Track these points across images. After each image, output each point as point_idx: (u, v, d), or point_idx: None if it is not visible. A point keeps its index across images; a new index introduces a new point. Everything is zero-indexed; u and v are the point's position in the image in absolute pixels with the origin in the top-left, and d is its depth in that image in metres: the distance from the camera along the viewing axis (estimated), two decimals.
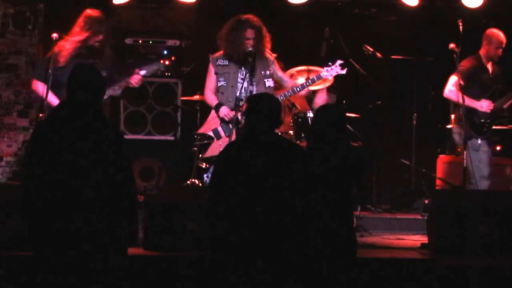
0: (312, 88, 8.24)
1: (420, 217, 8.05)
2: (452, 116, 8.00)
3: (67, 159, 4.41)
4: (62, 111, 4.64)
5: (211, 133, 7.28)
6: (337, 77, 7.61)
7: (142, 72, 7.29)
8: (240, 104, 6.92)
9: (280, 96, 7.15)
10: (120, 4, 8.78)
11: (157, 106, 9.04)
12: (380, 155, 9.18)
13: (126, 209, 4.51)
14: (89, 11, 7.28)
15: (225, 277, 4.85)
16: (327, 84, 8.41)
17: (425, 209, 8.14)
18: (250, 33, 7.08)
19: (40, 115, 7.78)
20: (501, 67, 7.96)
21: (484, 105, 7.71)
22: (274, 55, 7.35)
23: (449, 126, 8.13)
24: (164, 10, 9.58)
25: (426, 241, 6.88)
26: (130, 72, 7.28)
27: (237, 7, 8.08)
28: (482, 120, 7.72)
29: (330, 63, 7.37)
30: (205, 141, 7.31)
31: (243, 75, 7.13)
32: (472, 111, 7.69)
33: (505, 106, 7.90)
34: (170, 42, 9.14)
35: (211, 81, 7.27)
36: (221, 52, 7.25)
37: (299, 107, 8.17)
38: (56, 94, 6.90)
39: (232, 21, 7.18)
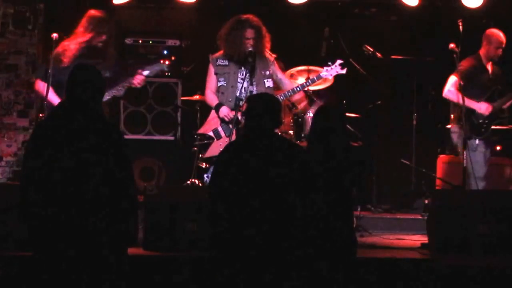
0: (312, 88, 8.26)
1: (420, 217, 8.04)
2: (452, 116, 8.00)
3: (66, 159, 4.41)
4: (61, 111, 4.64)
5: (211, 133, 7.28)
6: (337, 77, 7.61)
7: (145, 73, 7.31)
8: (240, 104, 6.92)
9: (280, 96, 7.15)
10: (120, 4, 8.78)
11: (157, 106, 9.04)
12: (380, 155, 9.17)
13: (126, 209, 4.51)
14: (92, 12, 7.30)
15: (226, 277, 4.85)
16: (328, 84, 8.42)
17: (425, 209, 8.14)
18: (250, 33, 7.09)
19: (40, 115, 7.80)
20: (501, 67, 7.96)
21: (482, 108, 7.71)
22: (274, 55, 7.35)
23: (449, 126, 8.13)
24: (164, 10, 9.58)
25: (426, 241, 6.88)
26: (133, 73, 7.30)
27: (237, 7, 8.08)
28: (481, 121, 7.72)
29: (330, 63, 7.37)
30: (205, 141, 7.32)
31: (243, 75, 7.14)
32: (471, 111, 7.69)
33: (504, 107, 7.91)
34: (170, 42, 9.14)
35: (211, 81, 7.28)
36: (221, 52, 7.25)
37: (299, 107, 8.17)
38: (59, 94, 6.91)
39: (232, 21, 7.18)
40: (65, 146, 4.42)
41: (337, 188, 5.21)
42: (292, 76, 8.53)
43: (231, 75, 7.19)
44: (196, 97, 8.44)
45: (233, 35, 7.12)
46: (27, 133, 8.41)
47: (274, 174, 4.82)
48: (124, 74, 7.32)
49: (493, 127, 7.86)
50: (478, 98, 7.74)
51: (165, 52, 9.12)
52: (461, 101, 7.59)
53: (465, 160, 7.55)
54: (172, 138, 8.99)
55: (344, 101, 8.63)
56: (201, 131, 7.42)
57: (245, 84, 7.09)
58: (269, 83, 7.23)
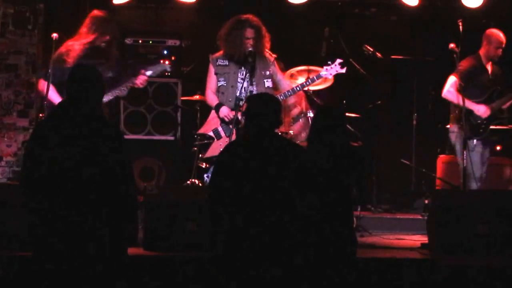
0: (312, 88, 8.26)
1: (420, 217, 8.05)
2: (451, 116, 8.00)
3: (66, 159, 4.40)
4: (61, 110, 4.64)
5: (211, 133, 7.28)
6: (337, 77, 7.60)
7: (148, 73, 7.32)
8: (240, 104, 6.92)
9: (280, 96, 7.16)
10: (120, 4, 8.78)
11: (157, 106, 9.03)
12: (380, 155, 9.17)
13: (126, 209, 4.51)
14: (96, 12, 7.30)
15: (226, 277, 4.85)
16: (328, 83, 8.42)
17: (425, 209, 8.14)
18: (249, 33, 7.09)
19: (40, 115, 7.80)
20: (501, 67, 7.96)
21: (481, 110, 7.71)
22: (274, 55, 7.34)
23: (448, 126, 8.13)
24: (164, 10, 9.58)
25: (426, 241, 6.88)
26: (135, 73, 7.31)
27: (237, 7, 8.08)
28: (479, 121, 7.72)
29: (329, 62, 7.36)
30: (205, 141, 7.32)
31: (243, 75, 7.14)
32: (469, 111, 7.69)
33: (504, 107, 7.90)
34: (170, 42, 9.14)
35: (211, 81, 7.28)
36: (221, 52, 7.25)
37: (299, 107, 8.16)
38: (62, 94, 6.91)
39: (232, 21, 7.18)
40: (65, 146, 4.42)
41: (337, 188, 5.21)
42: (292, 76, 8.52)
43: (231, 75, 7.19)
44: (196, 97, 8.43)
45: (233, 35, 7.12)
46: (27, 133, 8.41)
47: (274, 174, 4.82)
48: (127, 74, 7.33)
49: (493, 127, 7.86)
50: (477, 99, 7.74)
51: (165, 52, 9.12)
52: (460, 102, 7.59)
53: (465, 160, 7.55)
54: (172, 138, 8.99)
55: (344, 101, 8.63)
56: (201, 131, 7.42)
57: (245, 84, 7.09)
58: (269, 83, 7.23)
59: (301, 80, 7.90)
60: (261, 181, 4.81)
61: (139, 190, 6.45)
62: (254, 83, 7.11)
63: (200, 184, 7.59)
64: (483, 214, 6.60)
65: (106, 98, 7.17)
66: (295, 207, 4.84)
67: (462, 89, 7.57)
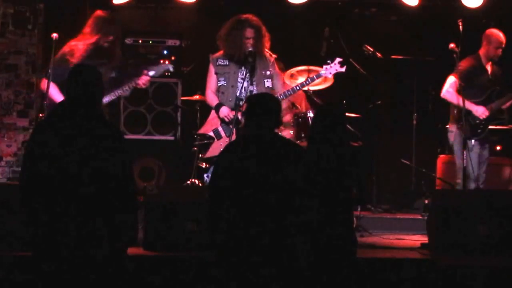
0: (312, 88, 8.26)
1: (420, 217, 8.05)
2: (451, 116, 8.00)
3: (66, 159, 4.40)
4: (61, 110, 4.64)
5: (211, 134, 7.28)
6: (337, 77, 7.60)
7: (151, 73, 7.33)
8: (240, 104, 6.92)
9: (280, 96, 7.16)
10: (120, 4, 8.78)
11: (157, 106, 9.03)
12: (380, 155, 9.17)
13: (126, 209, 4.50)
14: (99, 12, 7.31)
15: (226, 277, 4.85)
16: (329, 83, 8.42)
17: (425, 209, 8.14)
18: (249, 33, 7.08)
19: (40, 115, 7.80)
20: (501, 67, 7.96)
21: (479, 111, 7.71)
22: (274, 56, 7.33)
23: (448, 126, 8.13)
24: (164, 10, 9.58)
25: (426, 241, 6.88)
26: (138, 73, 7.31)
27: (237, 7, 8.08)
28: (477, 121, 7.72)
29: (329, 61, 7.36)
30: (205, 141, 7.31)
31: (243, 74, 7.13)
32: (468, 112, 7.69)
33: (504, 107, 7.90)
34: (170, 42, 9.14)
35: (211, 81, 7.27)
36: (221, 52, 7.25)
37: (299, 107, 8.17)
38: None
39: (232, 21, 7.18)
40: (65, 146, 4.42)
41: (337, 188, 5.21)
42: (292, 76, 8.53)
43: (231, 74, 7.19)
44: (196, 97, 8.43)
45: (233, 35, 7.12)
46: (27, 133, 8.41)
47: (274, 174, 4.82)
48: (129, 75, 7.33)
49: (493, 127, 7.87)
50: (476, 99, 7.74)
51: (165, 52, 9.12)
52: (459, 102, 7.59)
53: (465, 160, 7.55)
54: (172, 138, 8.99)
55: (344, 101, 8.63)
56: (201, 131, 7.42)
57: (245, 84, 7.08)
58: (269, 83, 7.23)
59: (301, 80, 7.90)
60: (261, 182, 4.80)
61: (139, 190, 6.44)
62: (254, 83, 7.11)
63: (200, 184, 7.60)
64: (483, 214, 6.61)
65: (109, 98, 7.18)
66: (295, 207, 4.84)
67: (462, 90, 7.57)
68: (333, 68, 7.33)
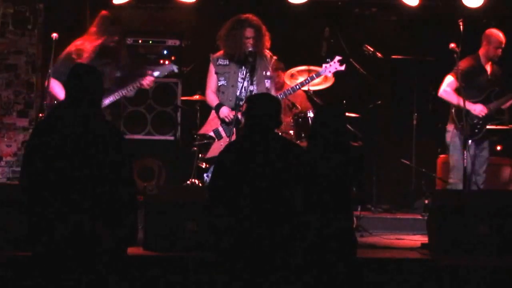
0: (312, 88, 8.26)
1: (420, 217, 8.05)
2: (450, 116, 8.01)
3: (66, 159, 4.40)
4: (61, 110, 4.64)
5: (212, 134, 7.27)
6: (338, 77, 7.59)
7: (155, 74, 7.32)
8: (241, 104, 6.92)
9: (280, 96, 7.16)
10: (120, 4, 8.78)
11: (157, 106, 9.03)
12: (380, 155, 9.17)
13: (126, 209, 4.50)
14: (105, 12, 7.32)
15: (226, 277, 4.85)
16: (329, 83, 8.42)
17: (425, 209, 8.14)
18: (249, 32, 7.08)
19: (40, 115, 7.80)
20: (501, 67, 7.95)
21: (477, 109, 7.71)
22: (275, 57, 7.32)
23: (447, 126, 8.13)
24: (164, 10, 9.58)
25: (426, 241, 6.88)
26: (142, 73, 7.30)
27: (237, 7, 8.08)
28: (475, 121, 7.71)
29: (328, 60, 7.36)
30: (205, 141, 7.31)
31: (243, 74, 7.13)
32: (466, 111, 7.68)
33: (504, 107, 7.89)
34: (170, 42, 9.14)
35: (212, 81, 7.27)
36: (222, 52, 7.25)
37: (299, 107, 8.17)
38: None
39: (231, 21, 7.17)
40: (65, 146, 4.42)
41: (337, 188, 5.21)
42: (292, 76, 8.54)
43: (231, 74, 7.19)
44: (196, 97, 8.43)
45: (233, 35, 7.11)
46: (27, 133, 8.41)
47: (274, 174, 4.82)
48: (134, 75, 7.33)
49: (493, 127, 7.86)
50: (474, 99, 7.74)
51: (165, 52, 9.12)
52: (456, 102, 7.60)
53: (465, 160, 7.55)
54: (172, 138, 8.99)
55: (344, 101, 8.63)
56: (202, 131, 7.41)
57: (245, 84, 7.08)
58: (268, 83, 7.22)
59: (301, 80, 7.89)
60: (261, 181, 4.81)
61: (139, 190, 6.44)
62: (254, 82, 7.10)
63: (200, 184, 7.59)
64: (483, 214, 6.60)
65: (113, 98, 7.18)
66: (295, 207, 4.84)
67: (462, 90, 7.56)
68: (333, 66, 7.33)
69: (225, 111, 7.10)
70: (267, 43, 7.17)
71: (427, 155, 9.06)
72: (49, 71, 7.15)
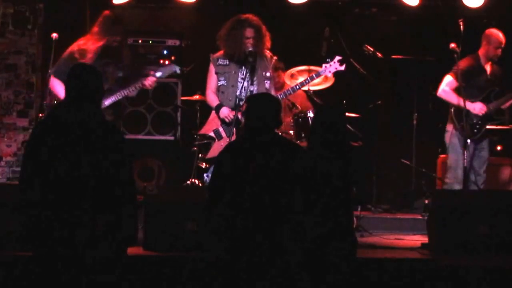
0: (312, 88, 8.26)
1: (420, 217, 8.04)
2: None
3: (66, 159, 4.40)
4: (61, 110, 4.64)
5: (212, 134, 7.27)
6: (338, 77, 7.59)
7: (158, 74, 7.32)
8: (241, 104, 6.92)
9: (280, 96, 7.16)
10: (120, 4, 8.78)
11: (157, 106, 9.04)
12: (380, 155, 9.17)
13: (126, 209, 4.50)
14: (108, 12, 7.32)
15: (226, 277, 4.85)
16: (329, 83, 8.42)
17: (425, 209, 8.14)
18: (249, 32, 7.07)
19: (40, 115, 7.79)
20: (501, 67, 7.94)
21: (477, 108, 7.70)
22: (275, 57, 7.32)
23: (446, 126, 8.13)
24: (164, 10, 9.58)
25: (426, 241, 6.88)
26: (144, 74, 7.30)
27: (237, 7, 8.08)
28: (474, 121, 7.71)
29: (328, 60, 7.36)
30: (205, 141, 7.31)
31: (243, 74, 7.12)
32: (466, 111, 7.68)
33: (504, 107, 7.89)
34: (170, 42, 9.14)
35: (212, 81, 7.26)
36: (222, 52, 7.24)
37: (299, 107, 8.17)
38: None
39: (231, 21, 7.17)
40: (65, 146, 4.42)
41: (337, 188, 5.20)
42: (292, 76, 8.54)
43: (231, 74, 7.18)
44: (196, 97, 8.43)
45: (233, 35, 7.11)
46: (27, 133, 8.41)
47: (274, 174, 4.82)
48: (136, 75, 7.33)
49: (493, 127, 7.86)
50: (473, 99, 7.73)
51: (165, 52, 9.12)
52: (455, 101, 7.60)
53: (465, 160, 7.55)
54: (172, 138, 8.99)
55: (344, 101, 8.63)
56: (202, 131, 7.41)
57: (245, 84, 7.07)
58: (267, 84, 7.21)
59: (301, 80, 7.89)
60: (261, 182, 4.81)
61: (139, 190, 6.44)
62: (255, 82, 7.10)
63: (200, 184, 7.59)
64: (483, 214, 6.60)
65: (114, 98, 7.18)
66: (295, 207, 4.84)
67: (462, 90, 7.56)
68: (333, 66, 7.33)
69: (225, 112, 7.10)
70: (267, 43, 7.17)
71: (427, 155, 9.06)
72: (49, 71, 7.15)
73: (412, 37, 9.38)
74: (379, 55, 8.80)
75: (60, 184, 4.39)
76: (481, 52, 7.84)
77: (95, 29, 7.23)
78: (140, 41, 9.11)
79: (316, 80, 7.85)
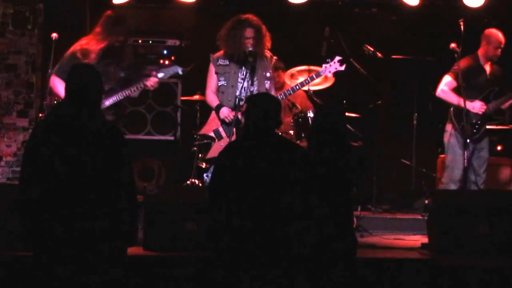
0: (312, 88, 8.26)
1: (420, 217, 8.04)
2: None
3: (66, 158, 4.40)
4: (61, 110, 4.64)
5: (212, 134, 7.27)
6: (338, 77, 7.58)
7: (160, 75, 7.30)
8: (240, 104, 6.92)
9: (280, 96, 7.16)
10: (120, 4, 8.77)
11: (157, 106, 9.04)
12: (380, 155, 9.17)
13: (126, 209, 4.50)
14: (111, 12, 7.31)
15: (225, 277, 4.85)
16: (329, 83, 8.42)
17: (425, 209, 8.14)
18: (249, 32, 7.07)
19: (40, 115, 7.79)
20: (501, 67, 7.94)
21: (476, 106, 7.70)
22: (275, 57, 7.31)
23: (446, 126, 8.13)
24: (164, 10, 9.58)
25: (426, 241, 6.88)
26: (146, 74, 7.29)
27: (237, 7, 8.07)
28: (473, 121, 7.71)
29: (328, 60, 7.36)
30: (205, 141, 7.31)
31: (243, 74, 7.13)
32: (466, 111, 7.67)
33: (503, 107, 7.89)
34: (170, 42, 9.14)
35: (212, 81, 7.26)
36: (222, 52, 7.24)
37: (299, 107, 8.17)
38: None
39: (232, 21, 7.17)
40: (65, 146, 4.42)
41: (337, 188, 5.20)
42: (292, 76, 8.54)
43: (231, 74, 7.18)
44: (196, 97, 8.43)
45: (233, 35, 7.11)
46: (26, 133, 8.41)
47: (274, 174, 4.82)
48: (138, 75, 7.32)
49: (493, 127, 7.86)
50: (473, 99, 7.73)
51: (165, 52, 9.12)
52: (460, 102, 7.59)
53: (466, 160, 7.55)
54: (172, 138, 8.99)
55: (344, 101, 8.63)
56: (202, 131, 7.41)
57: (245, 84, 7.07)
58: (267, 84, 7.21)
59: (301, 80, 7.89)
60: (261, 182, 4.81)
61: (139, 190, 6.44)
62: (255, 83, 7.10)
63: (200, 184, 7.59)
64: (483, 214, 6.60)
65: (116, 98, 7.17)
66: (294, 206, 4.83)
67: (462, 90, 7.56)
68: (333, 66, 7.33)
69: (225, 112, 7.10)
70: (268, 43, 7.17)
71: (427, 155, 9.06)
72: (49, 71, 7.15)
73: (412, 37, 9.38)
74: (379, 55, 8.79)
75: (60, 184, 4.39)
76: (480, 52, 7.84)
77: (98, 29, 7.21)
78: (140, 41, 9.11)
79: (316, 80, 7.85)
